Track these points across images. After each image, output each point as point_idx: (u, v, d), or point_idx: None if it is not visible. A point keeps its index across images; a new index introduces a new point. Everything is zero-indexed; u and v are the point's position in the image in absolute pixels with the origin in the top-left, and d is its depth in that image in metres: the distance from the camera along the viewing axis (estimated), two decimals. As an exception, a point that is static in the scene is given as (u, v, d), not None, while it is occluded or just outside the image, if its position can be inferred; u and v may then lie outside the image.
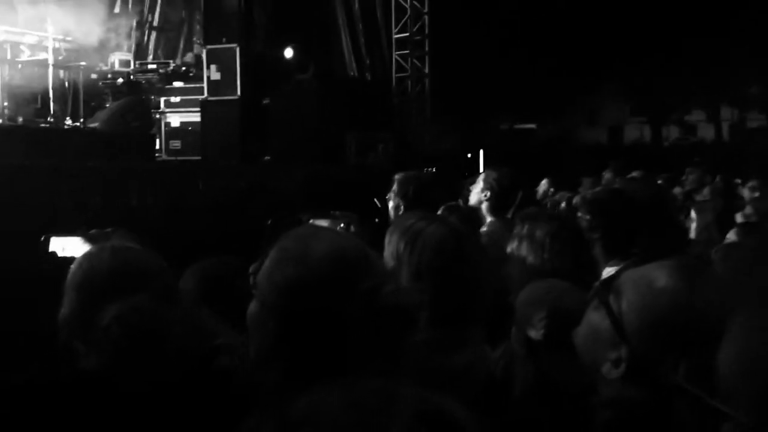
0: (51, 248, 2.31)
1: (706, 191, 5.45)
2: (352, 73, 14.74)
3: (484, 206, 3.93)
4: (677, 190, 6.56)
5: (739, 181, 6.77)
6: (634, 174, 5.35)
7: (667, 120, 30.61)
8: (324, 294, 1.18)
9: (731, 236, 3.40)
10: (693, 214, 4.05)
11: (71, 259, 2.22)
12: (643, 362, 1.27)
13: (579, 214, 2.79)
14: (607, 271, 2.57)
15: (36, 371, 1.65)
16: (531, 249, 2.41)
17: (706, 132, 30.56)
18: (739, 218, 4.04)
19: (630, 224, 2.75)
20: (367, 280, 1.19)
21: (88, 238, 2.24)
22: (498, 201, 3.92)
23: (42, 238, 2.32)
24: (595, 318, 1.36)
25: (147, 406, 1.53)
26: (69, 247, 2.28)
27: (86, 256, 1.78)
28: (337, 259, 1.21)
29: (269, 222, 2.26)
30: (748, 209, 3.88)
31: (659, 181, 6.01)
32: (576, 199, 4.62)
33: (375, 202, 4.38)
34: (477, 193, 3.96)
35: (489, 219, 3.87)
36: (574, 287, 2.04)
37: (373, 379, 0.84)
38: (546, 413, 1.65)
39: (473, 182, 4.17)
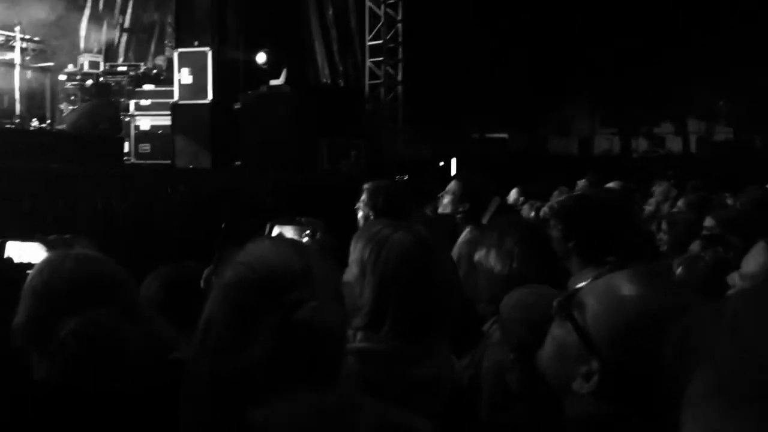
0: (6, 253, 2.24)
1: (680, 203, 5.46)
2: (324, 80, 14.70)
3: (459, 215, 3.93)
4: (651, 200, 6.60)
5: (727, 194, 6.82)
6: (611, 184, 5.35)
7: (636, 132, 31.00)
8: (246, 298, 1.23)
9: (694, 248, 3.40)
10: (664, 225, 4.05)
11: (27, 265, 2.16)
12: (615, 373, 1.25)
13: (551, 224, 2.74)
14: (582, 278, 2.54)
15: None
16: (499, 258, 2.39)
17: (675, 144, 31.01)
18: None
19: (603, 229, 2.69)
20: (293, 294, 1.21)
21: (47, 244, 2.17)
22: (474, 209, 3.93)
23: None
24: (560, 333, 1.34)
25: (100, 418, 1.48)
26: (26, 252, 2.21)
27: (47, 262, 1.72)
28: (273, 267, 1.26)
29: (223, 226, 2.22)
30: (709, 221, 3.86)
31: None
32: (544, 210, 4.62)
33: None
34: (453, 203, 3.95)
35: (467, 227, 3.86)
36: (560, 292, 2.02)
37: (336, 391, 0.82)
38: (534, 419, 1.62)
39: (446, 190, 4.15)
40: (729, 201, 5.85)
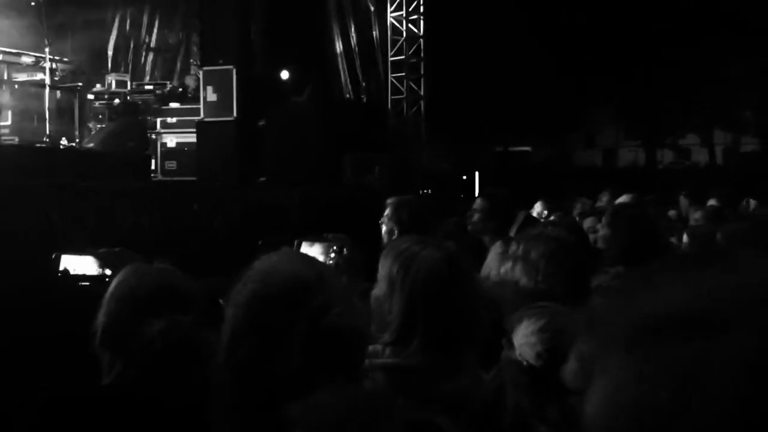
0: (62, 266, 2.31)
1: (698, 215, 5.43)
2: (348, 95, 14.80)
3: (491, 232, 3.98)
4: (672, 213, 6.54)
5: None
6: (623, 198, 5.33)
7: (661, 144, 30.75)
8: (271, 310, 1.25)
9: None
10: (685, 238, 4.04)
11: (81, 277, 2.24)
12: None
13: (599, 226, 2.71)
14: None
15: (63, 384, 1.66)
16: (525, 271, 2.39)
17: (700, 156, 30.70)
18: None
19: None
20: (315, 302, 1.24)
21: (99, 258, 2.25)
22: (502, 223, 3.97)
23: (53, 256, 2.32)
24: (584, 350, 1.35)
25: (178, 422, 1.53)
26: (79, 265, 2.29)
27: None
28: (290, 279, 1.28)
29: (260, 243, 2.26)
30: (719, 235, 3.82)
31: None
32: (588, 222, 4.62)
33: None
34: (481, 220, 3.99)
35: (497, 242, 3.89)
36: (569, 311, 2.02)
37: (365, 389, 0.86)
38: None
39: (473, 207, 4.20)
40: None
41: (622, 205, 4.59)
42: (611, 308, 0.55)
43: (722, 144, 30.79)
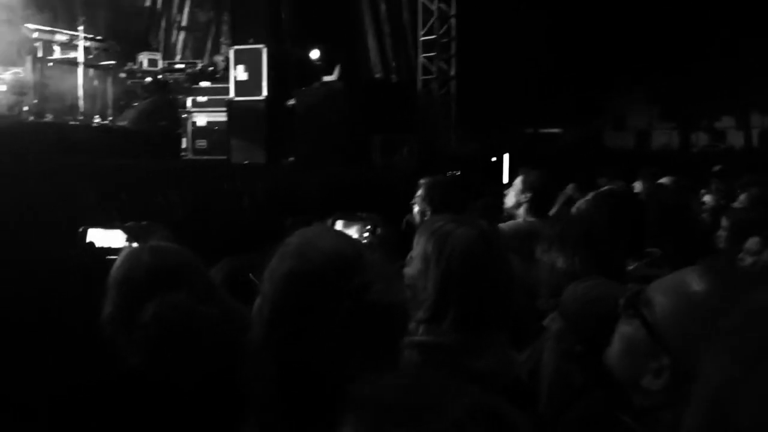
0: (88, 239, 2.34)
1: (742, 198, 5.31)
2: (377, 75, 14.74)
3: (523, 208, 3.93)
4: (708, 198, 6.41)
5: None
6: (664, 180, 5.24)
7: (696, 126, 30.21)
8: (314, 287, 1.23)
9: (750, 245, 3.32)
10: (724, 221, 3.95)
11: (108, 250, 2.26)
12: (686, 368, 1.23)
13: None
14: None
15: (83, 372, 1.68)
16: (560, 251, 2.36)
17: (736, 139, 30.12)
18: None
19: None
20: (357, 278, 1.22)
21: (126, 231, 2.27)
22: (539, 202, 3.93)
23: (80, 230, 2.34)
24: (627, 330, 1.33)
25: (189, 401, 1.54)
26: (107, 239, 2.31)
27: (126, 255, 1.86)
28: (330, 255, 1.26)
29: (289, 222, 2.26)
30: (723, 221, 3.76)
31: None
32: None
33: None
34: (516, 195, 3.96)
35: (531, 219, 3.86)
36: (623, 286, 1.99)
37: (431, 371, 0.85)
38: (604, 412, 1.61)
39: (513, 185, 4.18)
40: None
41: (657, 187, 4.54)
42: (740, 316, 0.57)
43: (759, 127, 30.20)
